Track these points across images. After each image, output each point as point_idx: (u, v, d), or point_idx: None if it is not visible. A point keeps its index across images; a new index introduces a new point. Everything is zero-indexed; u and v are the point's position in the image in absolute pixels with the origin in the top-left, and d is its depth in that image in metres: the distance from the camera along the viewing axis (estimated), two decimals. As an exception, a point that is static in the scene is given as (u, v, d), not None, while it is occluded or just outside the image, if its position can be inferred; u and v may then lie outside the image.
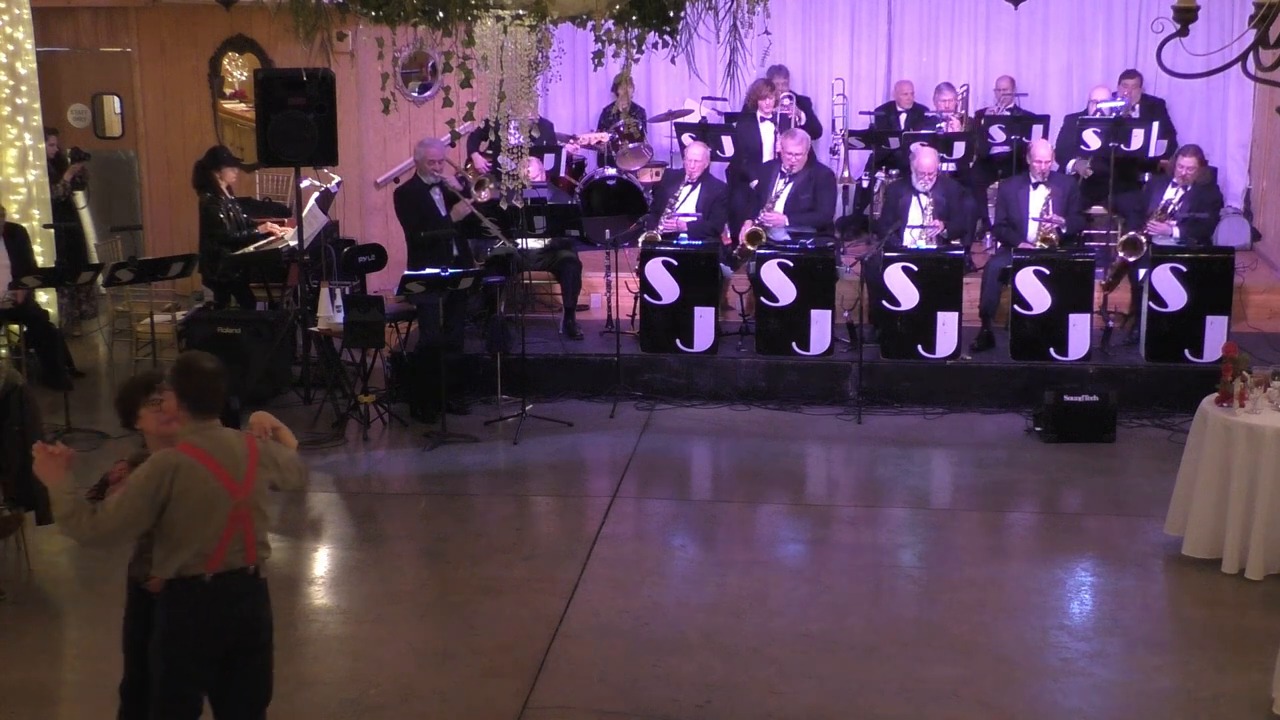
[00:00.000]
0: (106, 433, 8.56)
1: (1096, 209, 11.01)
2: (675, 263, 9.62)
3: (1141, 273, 9.58)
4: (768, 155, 11.39)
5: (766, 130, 11.63)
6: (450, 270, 8.85)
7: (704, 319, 9.63)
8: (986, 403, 9.38)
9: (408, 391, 9.22)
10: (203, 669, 4.30)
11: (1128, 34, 12.52)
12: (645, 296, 9.70)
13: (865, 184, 11.70)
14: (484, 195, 9.83)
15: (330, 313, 9.19)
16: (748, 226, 10.12)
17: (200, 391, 4.27)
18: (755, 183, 10.80)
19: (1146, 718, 5.47)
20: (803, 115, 11.92)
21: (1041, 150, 10.07)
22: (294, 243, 9.67)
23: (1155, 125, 11.22)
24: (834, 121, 12.29)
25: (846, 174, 11.71)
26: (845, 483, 8.42)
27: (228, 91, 12.21)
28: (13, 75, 10.26)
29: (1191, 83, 11.08)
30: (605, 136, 11.95)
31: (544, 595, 6.51)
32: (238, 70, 12.15)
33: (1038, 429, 8.82)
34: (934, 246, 9.75)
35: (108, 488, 4.44)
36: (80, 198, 12.13)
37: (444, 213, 9.52)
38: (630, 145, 11.88)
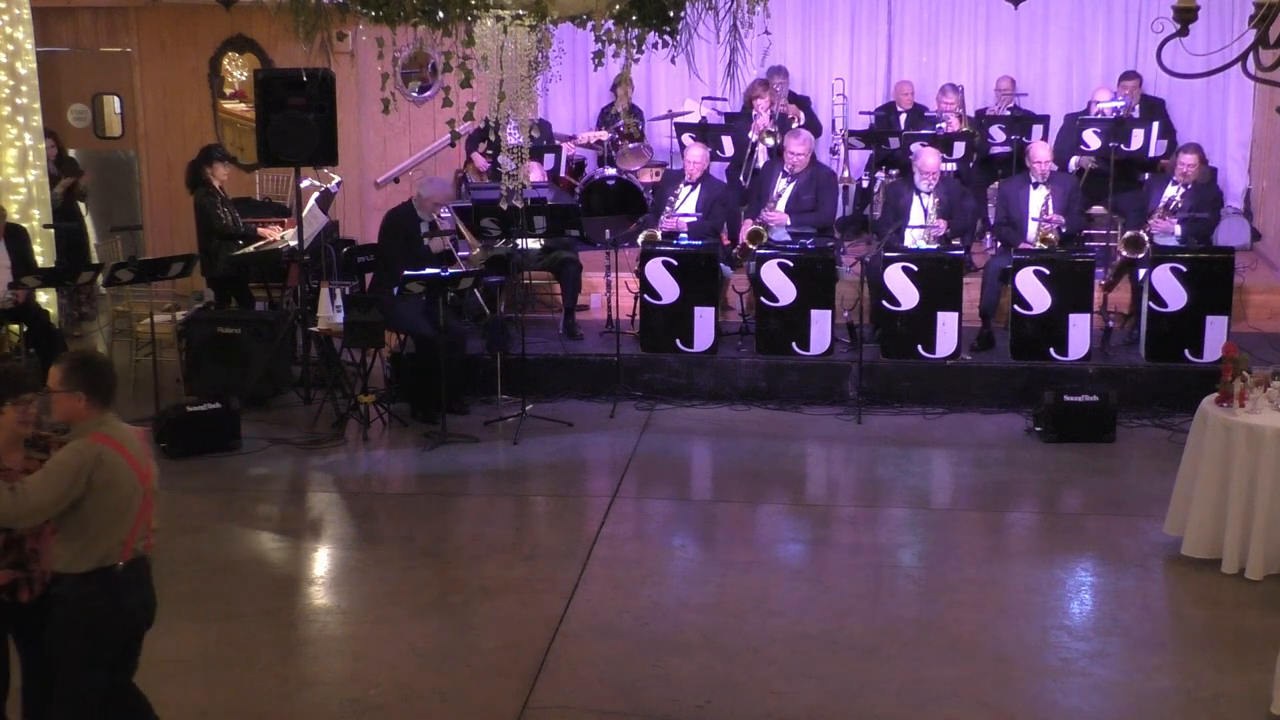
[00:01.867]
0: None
1: (1096, 209, 11.01)
2: (675, 263, 9.62)
3: (1141, 273, 9.58)
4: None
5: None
6: (450, 271, 8.85)
7: (704, 319, 9.62)
8: (986, 403, 9.38)
9: (408, 391, 9.23)
10: (109, 653, 4.42)
11: (1128, 34, 12.52)
12: (645, 296, 9.70)
13: (865, 184, 11.70)
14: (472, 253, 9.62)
15: (330, 313, 9.19)
16: (748, 226, 10.12)
17: (104, 384, 4.41)
18: (743, 177, 10.76)
19: (1146, 718, 5.47)
20: (802, 115, 11.93)
21: (1041, 151, 10.07)
22: (294, 243, 9.67)
23: (1155, 125, 11.21)
24: (834, 121, 12.29)
25: (846, 174, 11.71)
26: (845, 483, 8.42)
27: (228, 91, 12.20)
28: (13, 75, 10.25)
29: (1191, 83, 11.09)
30: (605, 135, 11.94)
31: (544, 595, 6.51)
32: (238, 70, 12.14)
33: (1038, 429, 8.82)
34: (936, 246, 9.75)
35: None
36: (82, 208, 12.12)
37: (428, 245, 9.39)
38: (630, 145, 11.88)
